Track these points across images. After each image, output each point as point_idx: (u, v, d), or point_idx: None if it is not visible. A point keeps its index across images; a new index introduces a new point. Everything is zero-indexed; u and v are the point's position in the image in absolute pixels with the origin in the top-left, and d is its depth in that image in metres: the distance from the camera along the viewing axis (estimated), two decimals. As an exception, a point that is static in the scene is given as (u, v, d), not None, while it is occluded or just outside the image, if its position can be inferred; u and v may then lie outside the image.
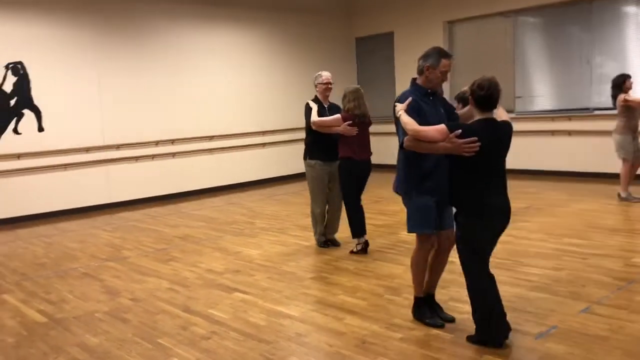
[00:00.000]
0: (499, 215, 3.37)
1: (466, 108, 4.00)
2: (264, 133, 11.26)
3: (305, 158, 5.99)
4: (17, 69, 8.50)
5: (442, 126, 3.36)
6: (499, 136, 3.37)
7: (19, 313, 4.55)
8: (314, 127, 5.74)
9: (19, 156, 8.49)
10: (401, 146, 3.60)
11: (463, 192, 3.40)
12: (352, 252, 5.74)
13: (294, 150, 11.42)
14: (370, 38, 12.46)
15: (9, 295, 5.03)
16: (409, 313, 4.05)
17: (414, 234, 3.84)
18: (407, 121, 3.48)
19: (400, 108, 3.56)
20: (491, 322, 3.40)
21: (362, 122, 5.60)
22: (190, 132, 10.25)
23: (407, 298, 4.35)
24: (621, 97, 7.14)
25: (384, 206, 8.08)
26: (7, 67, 8.42)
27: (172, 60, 10.01)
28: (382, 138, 9.21)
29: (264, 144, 11.24)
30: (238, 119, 10.90)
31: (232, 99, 10.84)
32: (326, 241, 6.08)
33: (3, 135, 8.42)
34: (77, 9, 8.97)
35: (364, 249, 5.71)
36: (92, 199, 9.16)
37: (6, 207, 8.37)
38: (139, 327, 4.10)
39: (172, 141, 10.04)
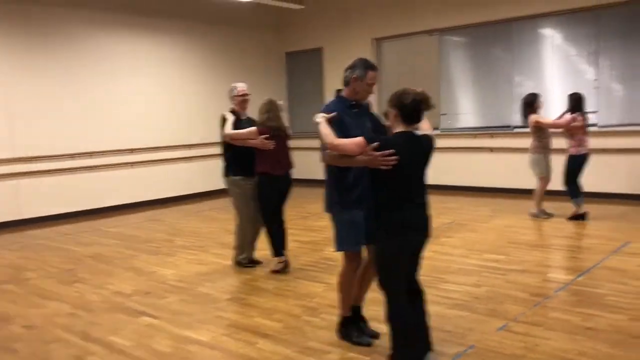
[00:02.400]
0: (413, 232, 3.23)
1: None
2: (190, 147, 10.88)
3: (226, 174, 5.67)
4: None
5: (361, 139, 3.22)
6: (419, 150, 3.24)
7: None
8: (227, 140, 5.49)
9: None
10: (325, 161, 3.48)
11: (378, 206, 3.26)
12: (273, 271, 5.51)
13: (220, 165, 11.14)
14: (299, 53, 12.38)
15: None
16: (325, 335, 3.87)
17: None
18: (325, 132, 3.34)
19: (321, 116, 3.41)
20: (406, 345, 3.26)
21: (278, 135, 5.40)
22: (110, 145, 9.75)
23: (325, 319, 4.19)
24: (532, 118, 7.31)
25: (312, 222, 7.91)
26: None
27: (93, 70, 9.51)
28: (309, 153, 9.08)
29: (190, 158, 10.86)
30: (163, 131, 10.48)
31: (157, 110, 10.43)
32: (251, 261, 5.81)
33: None
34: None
35: (284, 268, 5.50)
36: (2, 214, 8.49)
37: None
38: (27, 359, 3.70)
39: (90, 154, 9.51)
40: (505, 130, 9.65)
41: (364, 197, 3.48)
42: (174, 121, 10.66)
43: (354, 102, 3.64)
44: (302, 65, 12.39)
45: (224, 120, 5.57)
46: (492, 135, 9.74)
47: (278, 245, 5.51)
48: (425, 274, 3.67)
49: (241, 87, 5.77)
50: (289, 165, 5.53)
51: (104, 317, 4.45)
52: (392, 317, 3.27)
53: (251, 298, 4.80)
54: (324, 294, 4.80)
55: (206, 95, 11.11)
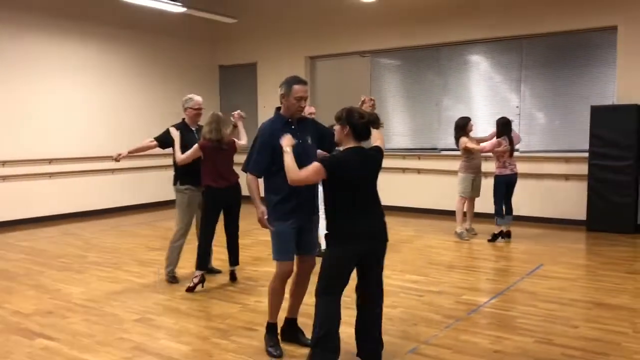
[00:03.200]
0: (362, 239, 3.34)
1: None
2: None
3: (174, 183, 5.62)
4: None
5: (318, 165, 3.31)
6: (368, 163, 3.43)
7: None
8: (181, 164, 5.40)
9: None
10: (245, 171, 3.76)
11: (329, 216, 3.39)
12: (188, 288, 5.32)
13: (145, 178, 10.81)
14: (234, 67, 12.25)
15: None
16: (232, 359, 3.72)
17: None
18: (291, 167, 3.38)
19: (286, 144, 3.47)
20: (324, 350, 3.35)
21: (219, 148, 5.32)
22: (26, 154, 9.24)
23: (235, 341, 4.04)
24: (462, 142, 7.51)
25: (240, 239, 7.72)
26: None
27: (12, 73, 9.02)
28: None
29: (112, 170, 10.44)
30: (85, 141, 10.04)
31: (79, 119, 9.99)
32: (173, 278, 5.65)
33: None
34: None
35: (201, 283, 5.35)
36: None
37: None
38: None
39: (3, 163, 8.97)
40: (432, 152, 9.84)
41: (297, 211, 3.62)
42: (97, 131, 10.24)
43: (289, 119, 3.72)
44: (236, 80, 12.25)
45: (168, 133, 5.60)
46: (419, 157, 9.91)
47: (203, 259, 5.42)
48: (344, 294, 3.62)
49: (197, 100, 5.75)
50: (232, 178, 5.46)
51: (-4, 339, 4.13)
52: (318, 321, 3.35)
53: (161, 319, 4.58)
54: (238, 315, 4.65)
55: (136, 106, 10.78)
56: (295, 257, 3.74)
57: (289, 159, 3.40)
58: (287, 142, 3.48)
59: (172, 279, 5.64)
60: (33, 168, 9.35)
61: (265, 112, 10.46)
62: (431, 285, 5.47)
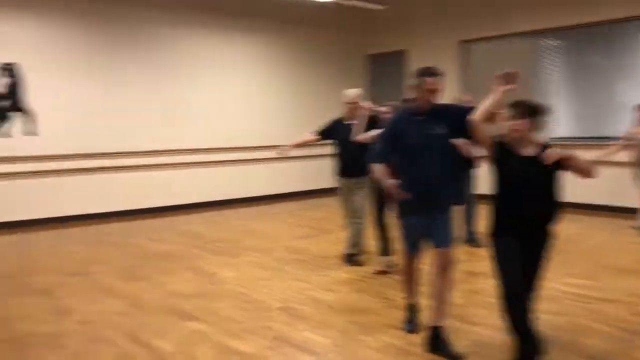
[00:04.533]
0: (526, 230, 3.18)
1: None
2: (268, 147, 10.85)
3: (336, 174, 5.87)
4: (10, 70, 8.26)
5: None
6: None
7: (-48, 331, 4.16)
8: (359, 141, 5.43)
9: (6, 160, 8.21)
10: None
11: (495, 207, 3.27)
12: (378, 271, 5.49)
13: (303, 167, 11.05)
14: (382, 55, 12.04)
15: (-47, 309, 4.65)
16: (376, 357, 3.55)
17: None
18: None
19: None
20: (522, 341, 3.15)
21: None
22: (189, 144, 9.90)
23: (380, 339, 3.86)
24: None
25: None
26: (2, 68, 8.18)
27: (171, 69, 9.71)
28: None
29: (267, 159, 10.82)
30: (244, 131, 10.52)
31: (235, 111, 10.47)
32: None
33: (-8, 138, 8.16)
34: (79, 12, 8.74)
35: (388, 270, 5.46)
36: (79, 207, 8.81)
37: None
38: (72, 357, 3.66)
39: (171, 152, 9.70)
40: (602, 141, 8.79)
41: (419, 203, 3.63)
42: (253, 122, 10.67)
43: (417, 110, 3.65)
44: (385, 68, 12.03)
45: (329, 124, 5.86)
46: (588, 146, 8.92)
47: (387, 244, 5.52)
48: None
49: (351, 94, 5.78)
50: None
51: (154, 318, 4.37)
52: (506, 315, 3.15)
53: (304, 309, 4.55)
54: (383, 311, 4.46)
55: (285, 97, 11.07)
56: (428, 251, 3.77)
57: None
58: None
59: (350, 260, 5.82)
60: (195, 157, 9.97)
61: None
62: (600, 291, 4.83)
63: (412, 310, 4.02)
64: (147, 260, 6.27)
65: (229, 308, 4.59)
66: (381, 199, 5.33)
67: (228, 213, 9.47)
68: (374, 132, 5.26)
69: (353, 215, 5.77)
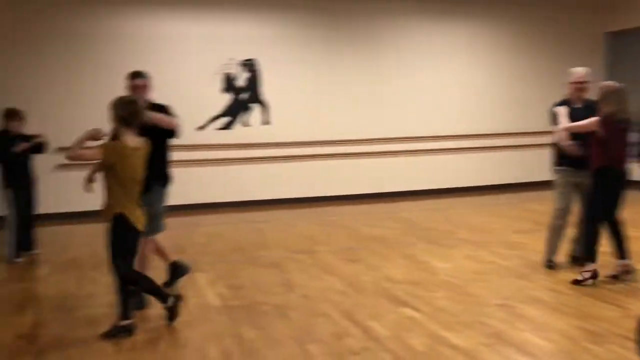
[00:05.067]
0: None
1: None
2: (486, 136, 10.44)
3: (554, 164, 5.36)
4: (250, 65, 9.22)
5: None
6: None
7: (201, 293, 4.81)
8: (566, 133, 4.99)
9: (246, 146, 9.22)
10: None
11: None
12: (575, 281, 4.82)
13: (522, 157, 10.44)
14: (625, 32, 10.66)
15: (202, 274, 5.36)
16: (606, 371, 3.19)
17: None
18: None
19: None
20: None
21: (624, 128, 4.77)
22: (408, 132, 9.99)
23: (610, 350, 3.47)
24: None
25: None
26: (242, 63, 9.18)
27: (394, 58, 9.86)
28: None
29: (485, 148, 10.42)
30: (463, 120, 10.27)
31: (455, 98, 10.25)
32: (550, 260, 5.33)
33: (233, 126, 9.22)
34: (305, 9, 9.38)
35: (593, 278, 4.77)
36: (306, 190, 9.51)
37: (231, 192, 9.16)
38: (296, 328, 3.97)
39: (389, 140, 9.90)
40: None
41: None
42: (470, 109, 10.35)
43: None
44: (629, 48, 10.64)
45: (554, 115, 5.16)
46: None
47: (594, 250, 4.82)
48: None
49: (578, 74, 5.23)
50: (626, 160, 4.86)
51: (369, 301, 4.52)
52: None
53: (524, 308, 4.28)
54: (618, 320, 3.98)
55: (505, 82, 10.49)
56: None
57: None
58: None
59: (549, 264, 5.30)
60: (417, 145, 10.01)
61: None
62: None
63: None
64: (364, 244, 6.51)
65: (443, 299, 4.54)
66: (615, 194, 4.76)
67: (444, 202, 9.36)
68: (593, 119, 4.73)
69: (579, 213, 5.22)
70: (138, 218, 3.86)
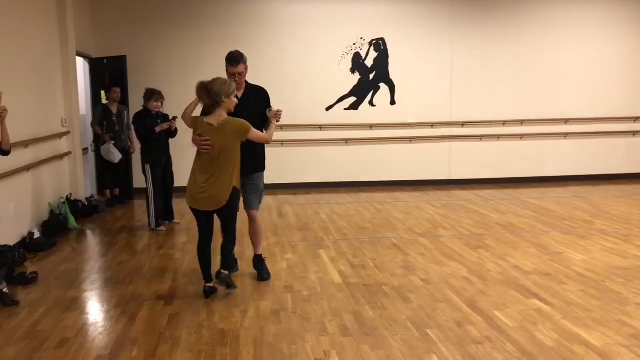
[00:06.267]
0: None
1: None
2: (635, 119, 9.53)
3: None
4: (378, 45, 9.15)
5: None
6: None
7: (323, 269, 4.91)
8: None
9: (371, 126, 9.21)
10: None
11: None
12: None
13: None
14: None
15: (325, 251, 5.48)
16: None
17: None
18: None
19: None
20: None
21: None
22: (542, 114, 9.39)
23: None
24: None
25: None
26: (370, 43, 9.14)
27: (531, 36, 9.27)
28: None
29: (632, 132, 9.52)
30: (601, 102, 9.46)
31: (596, 79, 9.44)
32: None
33: (361, 106, 9.23)
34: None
35: None
36: (430, 173, 9.33)
37: (354, 171, 9.22)
38: (416, 311, 3.92)
39: (521, 122, 9.39)
40: None
41: None
42: (613, 90, 9.47)
43: None
44: None
45: None
46: None
47: None
48: None
49: None
50: None
51: (495, 290, 4.33)
52: None
53: (673, 310, 3.87)
54: None
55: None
56: None
57: None
58: None
59: None
60: (548, 128, 9.43)
61: None
62: None
63: None
64: (492, 230, 6.26)
65: (576, 292, 4.24)
66: None
67: (584, 190, 8.70)
68: None
69: None
70: None
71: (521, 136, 9.42)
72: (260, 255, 4.73)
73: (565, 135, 9.48)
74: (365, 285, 4.49)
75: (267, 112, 4.41)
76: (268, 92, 4.59)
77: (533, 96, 9.33)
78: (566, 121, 9.44)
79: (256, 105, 4.42)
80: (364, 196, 8.49)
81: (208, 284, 4.24)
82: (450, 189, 8.94)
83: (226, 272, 4.29)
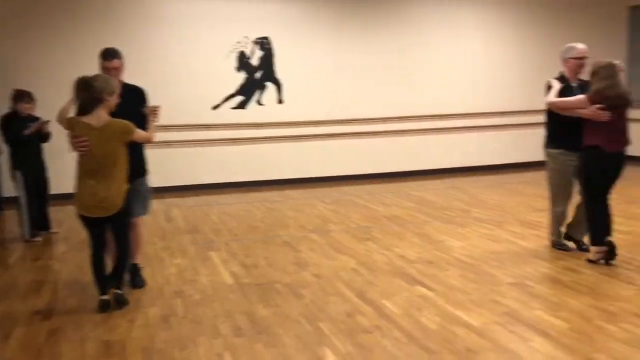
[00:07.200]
0: None
1: None
2: (501, 114, 10.31)
3: (546, 146, 5.16)
4: (263, 43, 9.15)
5: None
6: None
7: (214, 272, 4.83)
8: (552, 109, 4.90)
9: (260, 125, 9.19)
10: None
11: None
12: (588, 260, 4.77)
13: (534, 135, 10.26)
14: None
15: (216, 253, 5.40)
16: (619, 349, 3.16)
17: None
18: None
19: None
20: None
21: (616, 106, 4.56)
22: (421, 111, 9.89)
23: (624, 329, 3.43)
24: None
25: (636, 209, 6.68)
26: (255, 42, 9.11)
27: (401, 36, 9.70)
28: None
29: (502, 126, 10.29)
30: (475, 98, 10.15)
31: (470, 77, 10.12)
32: (567, 241, 5.19)
33: (248, 105, 9.18)
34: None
35: (606, 259, 4.70)
36: (319, 170, 9.48)
37: (246, 172, 9.16)
38: (308, 306, 3.98)
39: (399, 119, 9.81)
40: None
41: None
42: (480, 87, 10.21)
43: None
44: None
45: (548, 87, 4.99)
46: None
47: (598, 231, 4.73)
48: None
49: (580, 48, 5.02)
50: (625, 141, 4.71)
51: (382, 280, 4.51)
52: None
53: (538, 287, 4.25)
54: (633, 298, 3.94)
55: (517, 58, 10.32)
56: None
57: None
58: None
59: (561, 246, 5.18)
60: (426, 124, 9.94)
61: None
62: None
63: None
64: (378, 223, 6.49)
65: (456, 277, 4.52)
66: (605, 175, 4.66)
67: (459, 181, 9.27)
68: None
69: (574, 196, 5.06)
70: None
71: (401, 132, 9.84)
72: (137, 264, 4.55)
73: (440, 130, 10.03)
74: (257, 284, 4.48)
75: (144, 109, 4.27)
76: (145, 91, 4.43)
77: (412, 94, 9.79)
78: (441, 117, 10.01)
79: (134, 105, 4.24)
80: (255, 196, 8.46)
81: (104, 297, 4.00)
82: (337, 185, 9.14)
83: (120, 292, 4.04)
